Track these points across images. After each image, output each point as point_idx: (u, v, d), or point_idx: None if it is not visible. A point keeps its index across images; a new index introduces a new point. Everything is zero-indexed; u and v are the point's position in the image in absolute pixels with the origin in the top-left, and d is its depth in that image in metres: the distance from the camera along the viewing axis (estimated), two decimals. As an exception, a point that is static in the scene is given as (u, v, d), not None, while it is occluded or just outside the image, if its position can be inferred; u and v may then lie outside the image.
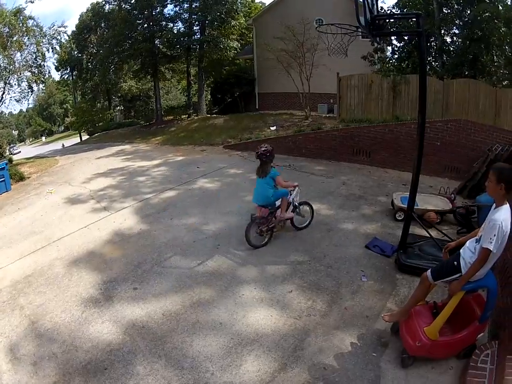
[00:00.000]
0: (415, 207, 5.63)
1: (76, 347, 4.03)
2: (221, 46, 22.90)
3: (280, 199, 6.29)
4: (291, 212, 6.46)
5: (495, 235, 3.05)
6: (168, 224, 7.18)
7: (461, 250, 3.54)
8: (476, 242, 3.37)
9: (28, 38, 18.39)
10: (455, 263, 3.46)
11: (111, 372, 3.71)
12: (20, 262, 6.17)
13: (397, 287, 4.91)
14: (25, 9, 17.90)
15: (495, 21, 14.53)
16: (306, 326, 4.17)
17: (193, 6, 23.38)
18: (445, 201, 7.18)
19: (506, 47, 15.72)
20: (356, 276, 5.16)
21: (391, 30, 14.39)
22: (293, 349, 3.86)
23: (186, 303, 4.65)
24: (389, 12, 17.21)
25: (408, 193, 5.51)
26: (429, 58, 16.83)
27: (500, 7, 14.65)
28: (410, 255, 5.32)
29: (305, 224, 6.71)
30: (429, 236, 5.47)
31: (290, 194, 6.43)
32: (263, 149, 5.98)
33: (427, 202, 7.14)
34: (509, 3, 14.97)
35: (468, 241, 3.55)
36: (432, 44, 16.81)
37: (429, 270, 3.66)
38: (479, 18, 14.16)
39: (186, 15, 23.73)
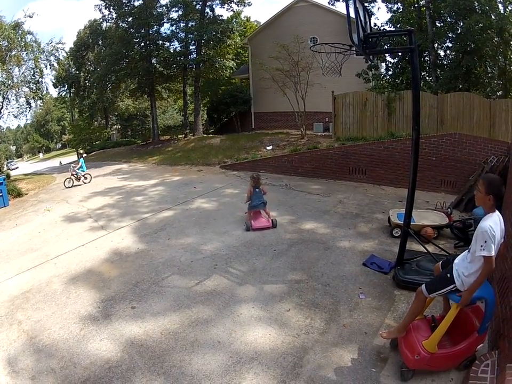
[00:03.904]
0: (411, 223, 5.66)
1: (74, 363, 4.00)
2: (217, 66, 23.21)
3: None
4: None
5: (485, 241, 3.11)
6: (166, 244, 7.19)
7: (455, 260, 3.57)
8: (467, 252, 3.42)
9: (26, 53, 18.53)
10: (448, 275, 3.48)
11: (109, 389, 3.69)
12: (17, 278, 6.19)
13: (395, 303, 4.91)
14: (23, 24, 18.08)
15: (488, 31, 14.69)
16: (305, 343, 4.15)
17: (189, 25, 23.72)
18: (442, 216, 7.23)
19: (500, 57, 15.86)
20: (354, 294, 5.16)
21: (385, 46, 14.69)
22: (292, 366, 3.83)
23: (184, 322, 4.63)
24: (382, 28, 17.54)
25: (404, 209, 5.56)
26: (423, 73, 17.03)
27: (493, 17, 14.77)
28: (407, 271, 5.32)
29: None
30: (426, 251, 5.50)
31: None
32: None
33: (424, 217, 7.20)
34: (501, 11, 15.01)
35: (461, 254, 3.59)
36: (425, 58, 17.00)
37: (424, 284, 3.68)
38: (471, 30, 14.29)
39: (182, 35, 24.03)
